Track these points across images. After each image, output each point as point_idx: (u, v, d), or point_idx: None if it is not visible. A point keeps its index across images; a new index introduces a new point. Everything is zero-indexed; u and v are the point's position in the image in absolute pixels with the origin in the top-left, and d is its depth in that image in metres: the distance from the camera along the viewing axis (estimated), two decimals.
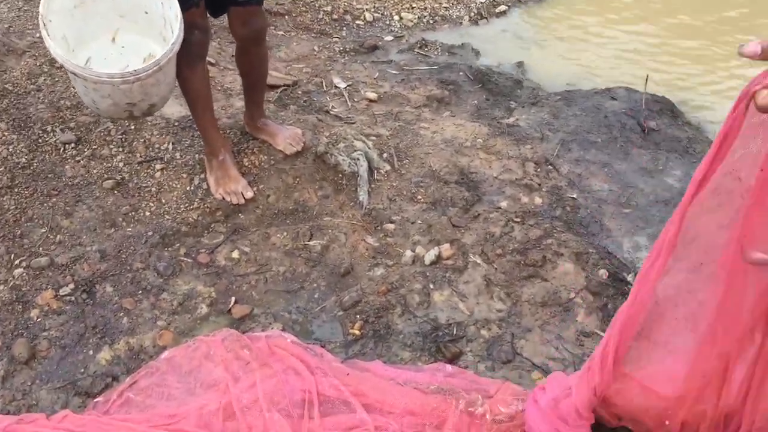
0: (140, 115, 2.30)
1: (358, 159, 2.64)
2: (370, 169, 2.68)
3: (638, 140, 3.07)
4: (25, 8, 3.53)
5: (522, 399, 1.79)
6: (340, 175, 2.64)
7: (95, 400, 1.87)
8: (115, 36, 2.34)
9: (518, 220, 2.50)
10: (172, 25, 2.16)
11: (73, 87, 2.44)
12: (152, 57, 2.33)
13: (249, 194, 2.53)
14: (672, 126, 3.22)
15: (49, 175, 2.57)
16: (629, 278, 2.29)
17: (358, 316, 2.14)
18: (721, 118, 3.27)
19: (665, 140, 3.09)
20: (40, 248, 2.32)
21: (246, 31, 2.42)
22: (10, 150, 2.63)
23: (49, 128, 2.74)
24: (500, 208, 2.56)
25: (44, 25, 2.03)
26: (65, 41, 2.17)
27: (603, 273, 2.31)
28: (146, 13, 2.27)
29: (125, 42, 2.36)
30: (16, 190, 2.50)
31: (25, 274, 2.23)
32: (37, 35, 3.27)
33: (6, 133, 2.69)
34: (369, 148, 2.73)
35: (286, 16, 4.12)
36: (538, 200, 2.61)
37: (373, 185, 2.64)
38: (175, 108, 2.90)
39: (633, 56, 3.97)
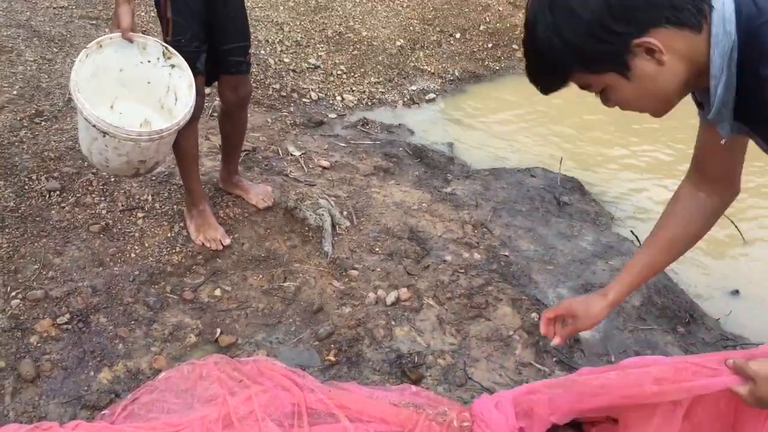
0: (144, 173, 2.55)
1: (323, 214, 3.00)
2: (332, 225, 3.03)
3: (555, 211, 3.59)
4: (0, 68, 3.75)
5: None
6: (307, 228, 2.98)
7: (102, 412, 2.07)
8: (113, 103, 2.58)
9: (462, 271, 2.91)
10: (177, 93, 2.47)
11: (79, 144, 2.57)
12: (148, 122, 2.60)
13: (227, 241, 2.82)
14: (581, 201, 3.77)
15: (37, 219, 2.78)
16: None
17: (332, 345, 2.44)
18: (614, 196, 3.87)
19: (577, 212, 3.62)
20: (34, 282, 2.51)
21: (234, 97, 2.78)
22: None
23: (34, 176, 2.96)
24: (446, 260, 2.97)
25: (78, 90, 2.28)
26: None
27: (534, 316, 2.73)
28: (149, 83, 2.54)
29: (122, 109, 2.58)
30: (6, 230, 2.69)
31: (21, 304, 2.41)
32: (14, 92, 3.50)
33: None
34: (331, 206, 3.10)
35: None
36: (477, 256, 3.04)
37: (335, 238, 2.99)
38: None
39: (545, 141, 4.57)
